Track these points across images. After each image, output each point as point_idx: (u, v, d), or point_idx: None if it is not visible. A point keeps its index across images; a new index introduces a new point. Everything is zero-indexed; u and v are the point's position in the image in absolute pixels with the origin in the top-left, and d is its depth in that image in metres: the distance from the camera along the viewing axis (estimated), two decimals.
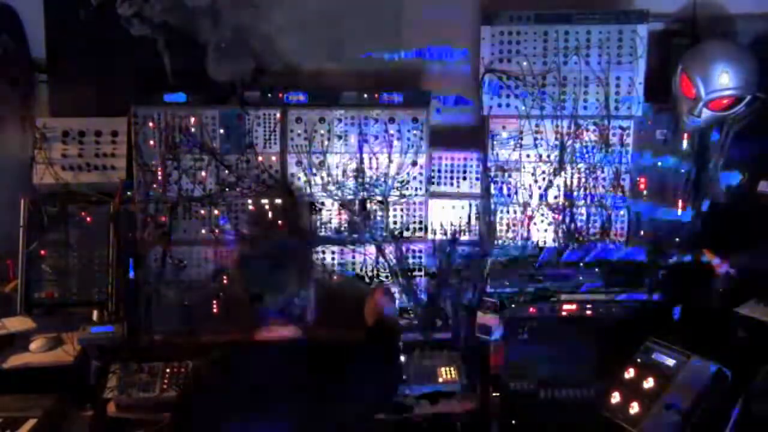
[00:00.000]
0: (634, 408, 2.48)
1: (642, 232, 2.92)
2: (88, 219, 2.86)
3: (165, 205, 2.83)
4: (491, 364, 2.87)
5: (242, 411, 1.90)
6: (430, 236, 2.95)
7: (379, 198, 2.90)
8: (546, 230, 2.91)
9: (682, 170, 2.90)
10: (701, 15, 2.97)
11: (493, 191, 2.90)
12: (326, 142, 2.87)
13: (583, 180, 2.87)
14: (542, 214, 2.90)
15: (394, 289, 2.87)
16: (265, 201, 2.87)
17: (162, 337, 2.83)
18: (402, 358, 2.76)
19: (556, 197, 2.89)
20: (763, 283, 2.65)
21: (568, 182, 2.88)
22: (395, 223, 2.92)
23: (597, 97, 2.82)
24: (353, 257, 2.90)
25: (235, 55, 3.04)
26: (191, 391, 2.10)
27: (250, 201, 2.87)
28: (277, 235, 2.25)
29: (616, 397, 2.56)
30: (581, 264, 2.94)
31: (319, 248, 2.87)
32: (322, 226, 2.90)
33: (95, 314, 2.86)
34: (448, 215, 2.96)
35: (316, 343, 2.09)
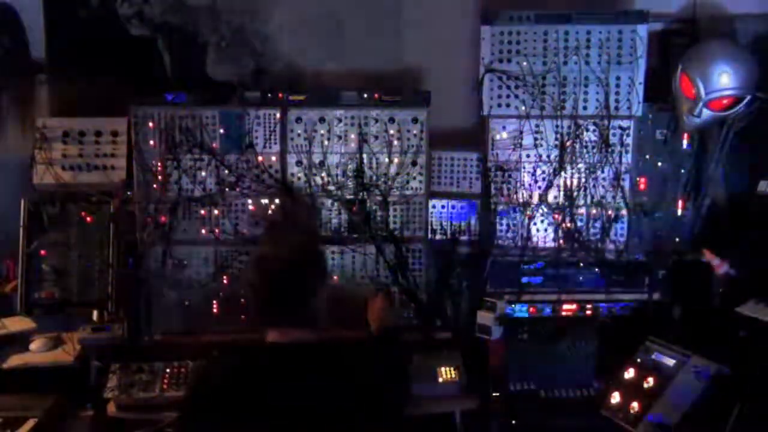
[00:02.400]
0: (634, 408, 2.47)
1: (642, 232, 2.92)
2: (88, 219, 2.86)
3: (165, 205, 2.83)
4: (491, 364, 2.87)
5: (250, 415, 1.90)
6: (430, 236, 2.95)
7: (379, 198, 2.90)
8: (546, 230, 2.91)
9: (682, 170, 2.91)
10: (701, 15, 2.97)
11: (493, 191, 2.90)
12: (326, 142, 2.87)
13: (583, 180, 2.88)
14: (542, 214, 2.90)
15: (394, 289, 2.87)
16: (264, 201, 2.87)
17: (162, 337, 2.84)
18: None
19: (556, 197, 2.90)
20: (763, 283, 2.65)
21: (568, 182, 2.88)
22: (395, 223, 2.92)
23: (597, 97, 2.83)
24: (353, 257, 2.90)
25: (235, 55, 3.04)
26: (197, 395, 2.08)
27: (250, 201, 2.87)
28: (295, 238, 2.24)
29: (616, 397, 2.55)
30: (581, 264, 2.94)
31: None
32: (322, 226, 2.90)
33: (95, 314, 2.87)
34: (448, 215, 2.96)
35: (329, 345, 2.08)
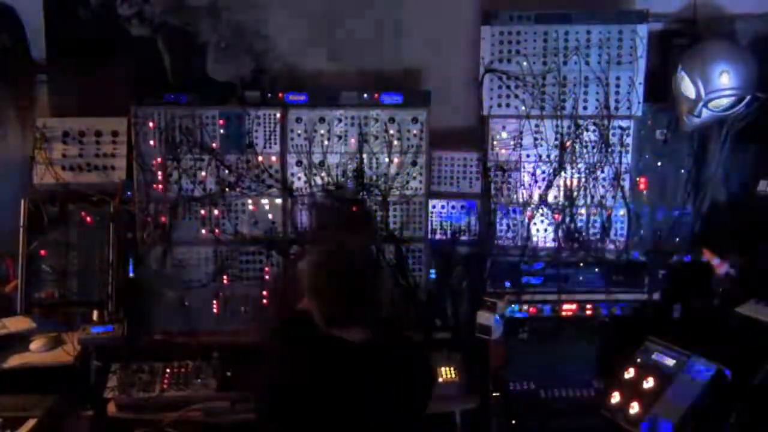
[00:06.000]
0: (634, 408, 2.48)
1: (642, 232, 2.92)
2: (88, 219, 2.86)
3: (165, 205, 2.83)
4: (491, 364, 2.87)
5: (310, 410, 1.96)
6: (430, 236, 2.95)
7: (379, 198, 2.90)
8: (546, 230, 2.91)
9: (682, 170, 2.91)
10: (701, 15, 2.97)
11: (493, 191, 2.90)
12: (326, 142, 2.87)
13: (583, 180, 2.88)
14: (542, 214, 2.90)
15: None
16: (265, 201, 2.87)
17: (162, 337, 2.84)
18: None
19: (556, 197, 2.90)
20: (763, 283, 2.65)
21: (568, 182, 2.88)
22: (395, 223, 2.92)
23: (597, 97, 2.83)
24: None
25: (235, 55, 3.04)
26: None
27: (250, 201, 2.87)
28: (354, 239, 2.28)
29: (616, 397, 2.56)
30: (581, 264, 2.94)
31: None
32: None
33: (95, 314, 2.86)
34: (447, 215, 2.96)
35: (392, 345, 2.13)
